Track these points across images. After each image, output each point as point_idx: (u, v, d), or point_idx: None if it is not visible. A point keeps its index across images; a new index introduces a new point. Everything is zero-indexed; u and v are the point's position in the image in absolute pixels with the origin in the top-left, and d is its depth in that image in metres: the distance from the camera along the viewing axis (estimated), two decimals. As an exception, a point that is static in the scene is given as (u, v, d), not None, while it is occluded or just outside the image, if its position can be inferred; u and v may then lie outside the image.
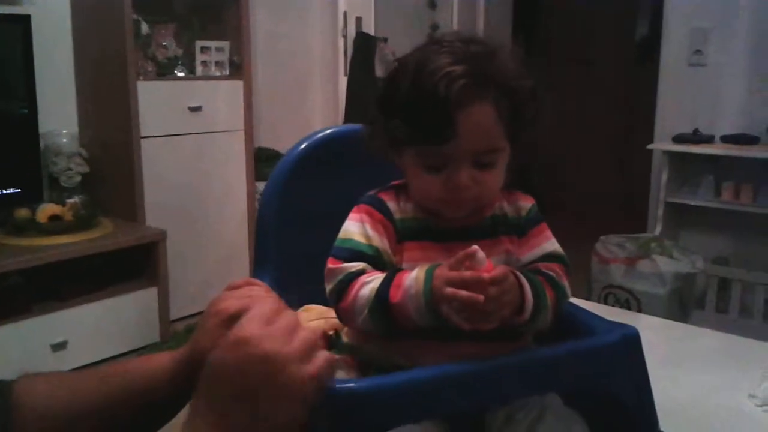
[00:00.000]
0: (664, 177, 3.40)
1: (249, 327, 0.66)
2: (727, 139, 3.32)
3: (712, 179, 3.35)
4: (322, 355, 0.65)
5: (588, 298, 2.86)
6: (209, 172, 3.27)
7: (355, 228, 0.82)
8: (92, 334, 2.75)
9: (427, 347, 0.77)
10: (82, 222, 2.83)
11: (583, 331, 0.79)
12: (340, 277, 0.80)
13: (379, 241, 0.81)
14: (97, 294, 2.80)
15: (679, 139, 3.41)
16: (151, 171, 3.03)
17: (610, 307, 2.29)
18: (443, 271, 0.73)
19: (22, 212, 2.77)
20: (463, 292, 0.70)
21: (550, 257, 0.85)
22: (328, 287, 0.81)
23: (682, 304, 3.01)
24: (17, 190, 2.77)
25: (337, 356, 0.69)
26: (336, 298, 0.80)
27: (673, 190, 3.43)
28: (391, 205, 0.83)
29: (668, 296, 2.95)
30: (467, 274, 0.71)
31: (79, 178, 3.00)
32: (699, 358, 1.31)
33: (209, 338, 0.82)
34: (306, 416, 0.63)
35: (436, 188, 0.79)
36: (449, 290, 0.70)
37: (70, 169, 2.98)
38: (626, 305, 2.99)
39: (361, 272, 0.79)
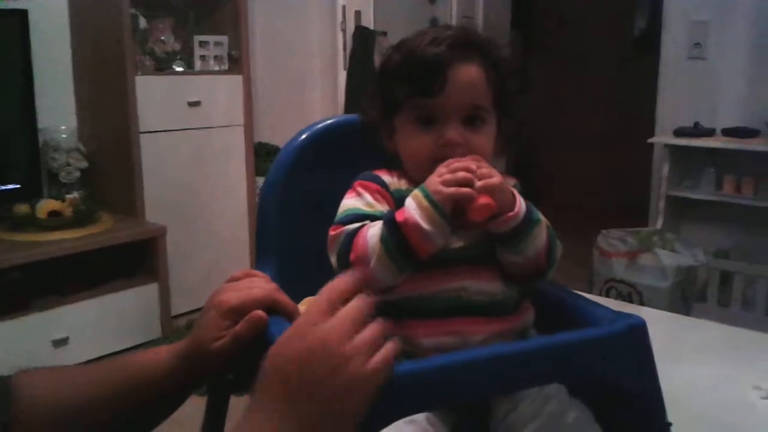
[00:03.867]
0: (665, 170, 3.39)
1: (311, 317, 0.64)
2: (727, 133, 3.31)
3: (713, 172, 3.34)
4: (388, 347, 0.64)
5: (590, 292, 2.86)
6: (209, 167, 3.27)
7: (353, 201, 0.85)
8: (93, 330, 2.74)
9: (426, 326, 0.78)
10: (81, 217, 2.83)
11: (589, 321, 0.78)
12: (344, 234, 0.80)
13: (381, 207, 0.83)
14: (98, 290, 2.80)
15: (679, 132, 3.40)
16: (150, 166, 3.02)
17: (612, 301, 2.28)
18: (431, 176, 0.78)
19: (22, 208, 2.76)
20: (458, 173, 0.76)
21: None
22: (333, 253, 0.81)
23: (684, 297, 3.00)
24: (16, 186, 2.76)
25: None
26: (345, 254, 0.79)
27: (674, 184, 3.42)
28: (385, 178, 0.87)
29: (670, 290, 2.94)
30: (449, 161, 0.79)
31: (78, 174, 2.99)
32: (702, 351, 1.31)
33: (209, 330, 0.82)
34: (366, 410, 0.61)
35: (427, 147, 0.83)
36: (446, 176, 0.76)
37: (69, 165, 2.97)
38: (628, 299, 2.98)
39: (364, 225, 0.80)
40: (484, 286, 0.80)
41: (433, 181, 0.77)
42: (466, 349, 0.76)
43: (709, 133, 3.36)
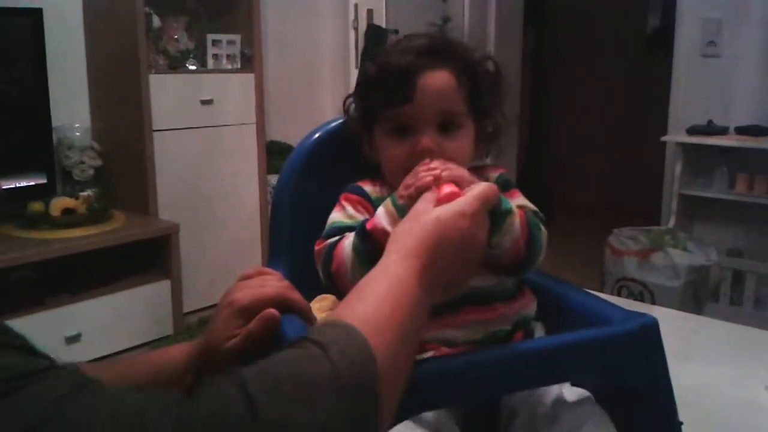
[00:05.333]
0: (678, 169, 3.37)
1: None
2: (741, 131, 3.29)
3: (726, 171, 3.32)
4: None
5: (601, 291, 2.85)
6: (221, 166, 3.28)
7: (337, 214, 0.89)
8: (106, 327, 2.76)
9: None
10: (94, 215, 2.84)
11: (601, 320, 0.78)
12: (326, 247, 0.84)
13: (362, 217, 0.86)
14: (110, 287, 2.82)
15: (692, 130, 3.38)
16: (163, 164, 3.03)
17: (624, 300, 2.28)
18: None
19: (36, 206, 2.78)
20: (419, 173, 0.77)
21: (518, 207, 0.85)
22: (319, 266, 0.85)
23: (696, 296, 2.99)
24: (30, 184, 2.78)
25: None
26: (327, 266, 0.83)
27: (687, 182, 3.40)
28: (367, 188, 0.91)
29: (682, 289, 2.93)
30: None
31: (91, 172, 3.01)
32: (714, 350, 1.31)
33: (222, 329, 0.82)
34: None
35: (403, 156, 0.85)
36: (408, 180, 0.78)
37: (83, 163, 2.99)
38: (640, 298, 2.98)
39: (344, 237, 0.83)
40: (475, 280, 0.79)
41: (400, 188, 0.79)
42: (468, 336, 0.80)
43: (723, 131, 3.34)
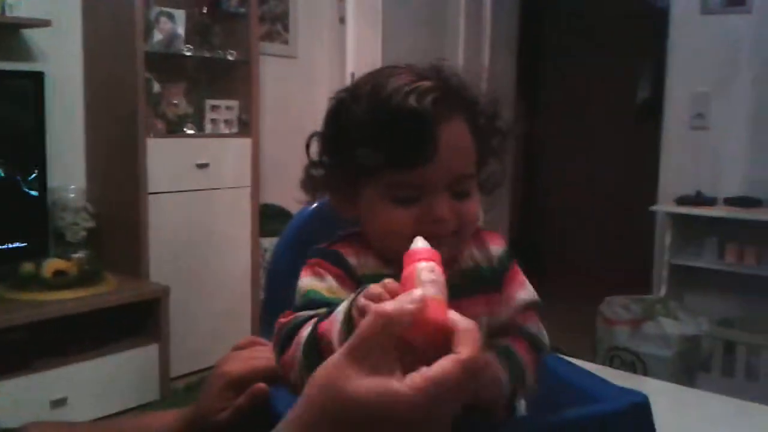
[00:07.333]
0: (668, 239, 3.40)
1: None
2: (730, 202, 3.33)
3: (716, 241, 3.35)
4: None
5: (593, 360, 2.84)
6: (214, 228, 3.29)
7: (314, 281, 0.69)
8: (92, 391, 2.72)
9: None
10: (86, 277, 2.83)
11: (589, 397, 0.78)
12: (290, 325, 0.65)
13: (346, 294, 0.65)
14: (99, 350, 2.78)
15: (682, 201, 3.43)
16: (157, 226, 3.04)
17: (615, 370, 2.27)
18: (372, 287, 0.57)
19: (27, 267, 2.77)
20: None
21: (526, 308, 0.75)
22: (275, 345, 0.67)
23: (688, 366, 2.98)
24: (23, 245, 2.78)
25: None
26: (282, 349, 0.65)
27: (677, 252, 3.43)
28: (351, 260, 0.71)
29: (674, 358, 2.93)
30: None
31: (84, 233, 3.01)
32: (708, 425, 1.30)
33: (213, 401, 0.82)
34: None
35: (408, 227, 0.67)
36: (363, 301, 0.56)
37: (77, 224, 2.99)
38: (632, 367, 2.96)
39: (315, 317, 0.64)
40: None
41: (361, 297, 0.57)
42: None
43: (711, 202, 3.38)
